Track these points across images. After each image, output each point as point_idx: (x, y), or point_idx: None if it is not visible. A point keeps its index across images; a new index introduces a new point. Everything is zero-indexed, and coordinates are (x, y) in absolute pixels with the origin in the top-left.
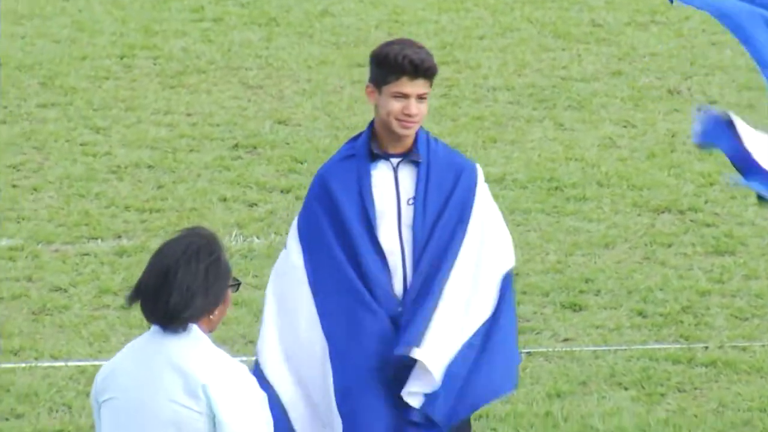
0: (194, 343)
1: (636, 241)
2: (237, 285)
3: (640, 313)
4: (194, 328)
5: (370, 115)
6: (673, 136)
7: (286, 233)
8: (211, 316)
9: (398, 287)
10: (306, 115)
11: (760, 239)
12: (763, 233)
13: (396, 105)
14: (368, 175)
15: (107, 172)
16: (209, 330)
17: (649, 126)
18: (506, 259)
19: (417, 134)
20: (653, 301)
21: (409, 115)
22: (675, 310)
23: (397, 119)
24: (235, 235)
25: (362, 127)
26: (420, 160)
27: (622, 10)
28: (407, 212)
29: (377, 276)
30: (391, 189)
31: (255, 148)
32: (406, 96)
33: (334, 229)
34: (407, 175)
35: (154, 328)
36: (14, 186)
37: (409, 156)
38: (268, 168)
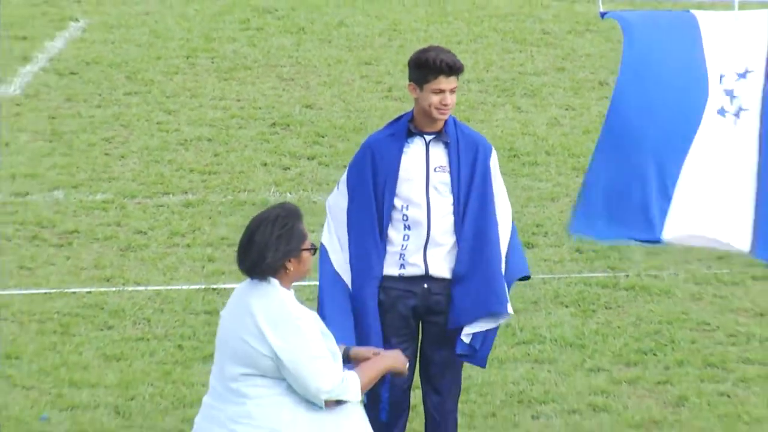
0: (268, 291)
1: (574, 196)
2: (313, 249)
3: (578, 250)
4: (273, 281)
5: (375, 101)
6: (602, 117)
7: (312, 190)
8: (287, 272)
9: (423, 233)
10: (326, 101)
11: None
12: None
13: (435, 98)
14: (401, 151)
15: (176, 143)
16: (287, 284)
17: (585, 109)
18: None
19: (446, 120)
20: (587, 241)
21: (446, 105)
22: (603, 247)
23: (437, 108)
24: (273, 192)
25: (370, 110)
26: (449, 141)
27: (564, 21)
28: (434, 177)
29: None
30: (422, 159)
31: (288, 126)
32: (443, 91)
33: (375, 187)
34: (437, 150)
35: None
36: (107, 154)
37: (440, 136)
38: (297, 141)
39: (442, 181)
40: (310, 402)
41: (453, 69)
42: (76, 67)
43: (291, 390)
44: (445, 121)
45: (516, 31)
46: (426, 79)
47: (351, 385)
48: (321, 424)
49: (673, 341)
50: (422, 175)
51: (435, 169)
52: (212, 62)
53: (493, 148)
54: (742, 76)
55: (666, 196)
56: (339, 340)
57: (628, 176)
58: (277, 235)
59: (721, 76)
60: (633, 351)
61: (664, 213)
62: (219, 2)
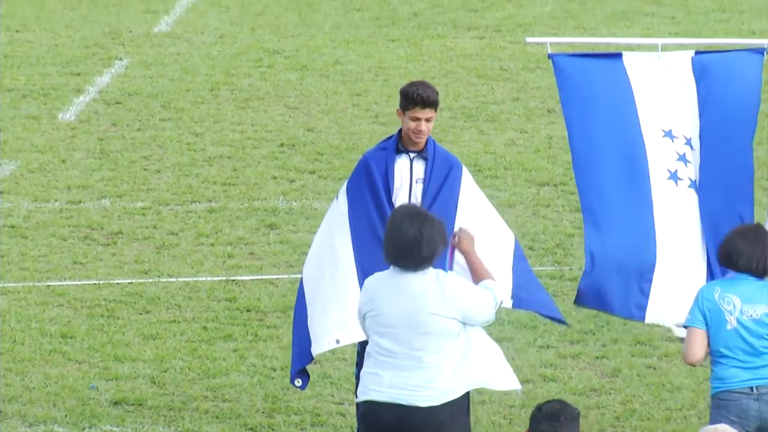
0: (431, 273)
1: (527, 203)
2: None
3: (530, 248)
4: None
5: (365, 126)
6: (550, 138)
7: (313, 198)
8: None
9: None
10: (325, 125)
11: None
12: None
13: (412, 124)
14: (393, 163)
15: (202, 160)
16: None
17: (536, 132)
18: (508, 239)
19: (427, 141)
20: (538, 240)
21: (420, 131)
22: (551, 246)
23: (413, 132)
24: (281, 200)
25: (360, 133)
26: (428, 157)
27: (519, 60)
28: (415, 187)
29: None
30: (407, 172)
31: (293, 146)
32: (418, 119)
33: (370, 192)
34: (419, 165)
35: (395, 269)
36: (145, 169)
37: (421, 153)
38: (301, 158)
39: (421, 190)
40: None
41: (426, 102)
42: (120, 98)
43: None
44: (426, 142)
45: (479, 67)
46: (406, 107)
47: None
48: None
49: (608, 323)
50: (407, 185)
51: (416, 181)
52: (232, 93)
53: (464, 167)
54: (688, 143)
55: (647, 279)
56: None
57: (616, 251)
58: (439, 229)
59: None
60: (576, 331)
61: (645, 295)
62: (237, 44)
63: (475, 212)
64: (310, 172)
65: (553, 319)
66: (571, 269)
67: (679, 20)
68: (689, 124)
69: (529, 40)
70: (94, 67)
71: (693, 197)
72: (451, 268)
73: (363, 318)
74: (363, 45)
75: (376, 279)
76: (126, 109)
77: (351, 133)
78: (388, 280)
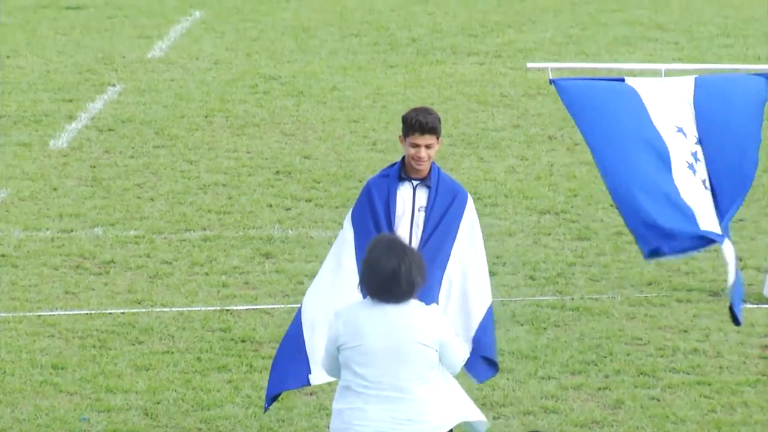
0: (414, 303)
1: (528, 231)
2: None
3: (531, 277)
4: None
5: (363, 153)
6: (551, 166)
7: (310, 227)
8: None
9: None
10: (321, 153)
11: (605, 230)
12: (607, 226)
13: (412, 150)
14: (395, 190)
15: (197, 188)
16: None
17: (536, 159)
18: (485, 301)
19: (431, 168)
20: (539, 269)
21: (420, 158)
22: (553, 275)
23: (413, 159)
24: (277, 228)
25: (358, 160)
26: (431, 185)
27: (519, 86)
28: (417, 215)
29: None
30: (409, 200)
31: (289, 173)
32: (418, 145)
33: (372, 220)
34: (422, 193)
35: (373, 299)
36: (138, 197)
37: (424, 181)
38: (297, 186)
39: (423, 219)
40: None
41: (425, 128)
42: (113, 125)
43: None
44: (431, 169)
45: (479, 94)
46: (406, 134)
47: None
48: None
49: (611, 353)
50: (409, 213)
51: (419, 209)
52: (227, 120)
53: (470, 196)
54: (699, 142)
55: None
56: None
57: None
58: (418, 263)
59: (680, 129)
60: (578, 362)
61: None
62: (232, 70)
63: (466, 254)
64: (306, 200)
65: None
66: (573, 299)
67: (683, 45)
68: (695, 132)
69: (530, 65)
70: (87, 93)
71: (707, 194)
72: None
73: (337, 350)
74: (360, 71)
75: (354, 309)
76: (119, 136)
77: (348, 160)
78: (368, 309)
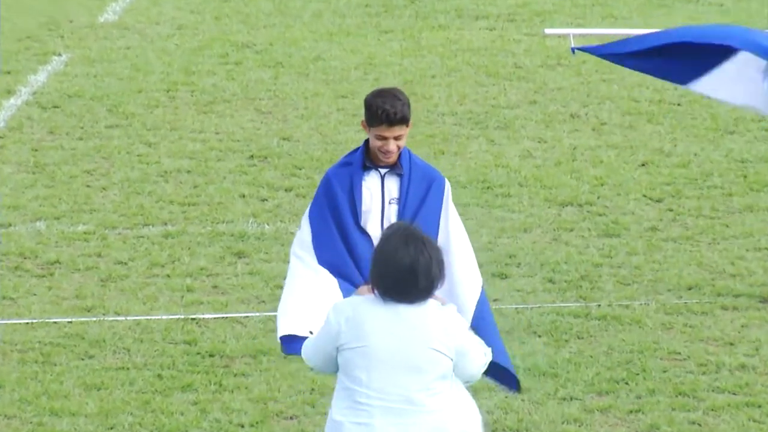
0: (431, 304)
1: (546, 227)
2: None
3: (550, 280)
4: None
5: (351, 134)
6: (574, 149)
7: (290, 221)
8: None
9: None
10: (303, 133)
11: (638, 225)
12: (640, 220)
13: (378, 142)
14: (360, 181)
15: (156, 175)
16: None
17: (556, 141)
18: (476, 285)
19: (401, 152)
20: (559, 271)
21: (388, 152)
22: (575, 278)
23: (381, 152)
24: (251, 223)
25: (347, 142)
26: (402, 173)
27: (536, 55)
28: (389, 209)
29: (361, 250)
30: (378, 191)
31: (266, 158)
32: (385, 138)
33: (332, 218)
34: (392, 182)
35: (385, 298)
36: (88, 186)
37: (394, 169)
38: (275, 173)
39: (395, 212)
40: None
41: (393, 121)
42: (58, 101)
43: None
44: (401, 154)
45: (489, 65)
46: (371, 123)
47: None
48: None
49: (645, 370)
50: (378, 207)
51: (389, 202)
52: (192, 96)
53: (447, 181)
54: None
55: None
56: None
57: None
58: (437, 260)
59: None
60: (605, 380)
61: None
62: (198, 37)
63: (451, 241)
64: (285, 190)
65: (504, 374)
66: (599, 306)
67: (728, 8)
68: None
69: (548, 31)
70: (28, 64)
71: None
72: None
73: (336, 349)
74: (349, 37)
75: (360, 304)
76: (65, 114)
77: (335, 142)
78: (376, 307)
